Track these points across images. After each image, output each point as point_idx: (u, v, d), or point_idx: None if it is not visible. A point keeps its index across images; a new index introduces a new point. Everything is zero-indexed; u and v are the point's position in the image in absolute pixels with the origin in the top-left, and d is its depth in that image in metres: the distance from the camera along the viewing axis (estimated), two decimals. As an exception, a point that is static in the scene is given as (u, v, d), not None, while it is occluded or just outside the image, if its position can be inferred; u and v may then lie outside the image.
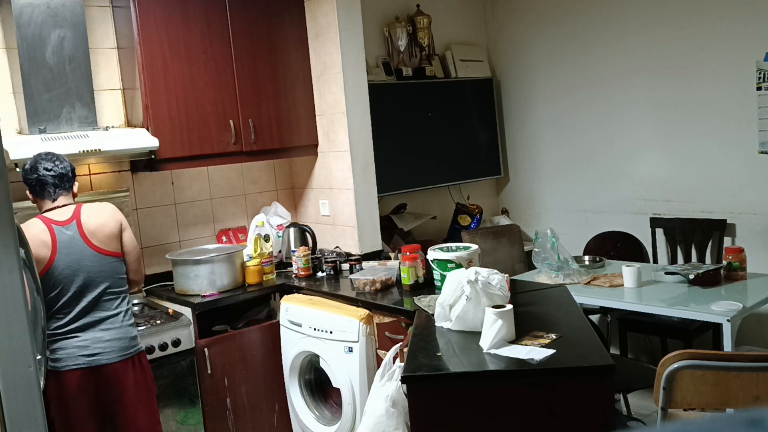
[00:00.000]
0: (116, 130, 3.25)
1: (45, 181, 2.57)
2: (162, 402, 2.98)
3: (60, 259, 2.50)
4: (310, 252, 3.58)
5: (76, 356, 2.49)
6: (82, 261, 2.53)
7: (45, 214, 2.56)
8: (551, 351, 1.97)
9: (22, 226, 2.53)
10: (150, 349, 2.94)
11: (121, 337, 2.58)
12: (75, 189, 2.67)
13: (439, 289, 2.77)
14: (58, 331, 2.50)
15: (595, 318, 3.92)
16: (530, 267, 3.80)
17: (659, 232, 4.18)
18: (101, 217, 2.60)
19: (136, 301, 3.37)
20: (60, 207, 2.58)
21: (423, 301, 2.69)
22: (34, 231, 2.49)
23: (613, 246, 4.24)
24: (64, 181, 2.61)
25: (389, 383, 2.38)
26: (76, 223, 2.55)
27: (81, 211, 2.59)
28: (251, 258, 3.41)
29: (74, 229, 2.54)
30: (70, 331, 2.51)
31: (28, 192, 2.62)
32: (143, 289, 3.45)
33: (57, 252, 2.50)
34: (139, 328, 2.98)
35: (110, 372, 2.54)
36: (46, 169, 2.57)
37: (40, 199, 2.60)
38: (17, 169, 2.87)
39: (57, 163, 2.60)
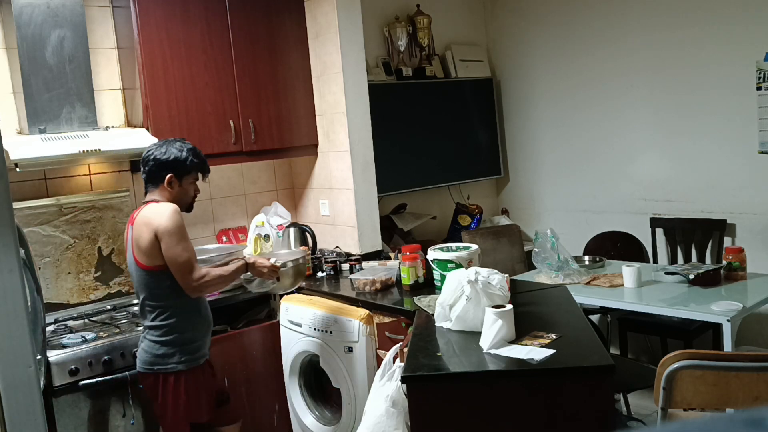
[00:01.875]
0: (116, 130, 3.25)
1: (142, 173, 2.51)
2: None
3: (127, 258, 2.52)
4: (310, 252, 3.58)
5: None
6: (131, 267, 2.49)
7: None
8: (551, 351, 1.97)
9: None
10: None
11: (146, 350, 2.48)
12: (166, 182, 2.47)
13: (439, 289, 2.77)
14: None
15: (595, 318, 3.92)
16: (530, 267, 3.80)
17: (659, 232, 4.18)
18: (142, 227, 2.40)
19: (135, 302, 3.36)
20: (144, 203, 2.50)
21: (423, 301, 2.69)
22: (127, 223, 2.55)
23: (613, 246, 4.24)
24: (152, 175, 2.48)
25: (389, 383, 2.38)
26: (131, 227, 2.46)
27: (138, 213, 2.44)
28: (251, 258, 3.41)
29: (131, 231, 2.46)
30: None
31: None
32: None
33: (126, 251, 2.52)
34: (139, 328, 2.98)
35: (140, 379, 2.57)
36: (142, 161, 2.50)
37: None
38: (17, 169, 2.88)
39: (150, 155, 2.48)
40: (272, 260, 2.69)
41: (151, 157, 2.47)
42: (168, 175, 2.46)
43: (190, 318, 2.50)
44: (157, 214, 2.38)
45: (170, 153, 2.47)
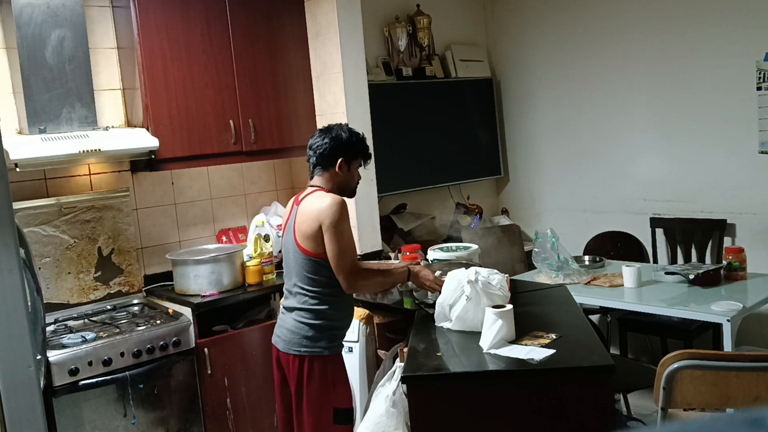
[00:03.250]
0: (116, 130, 3.25)
1: (308, 158, 2.53)
2: (162, 402, 2.98)
3: (285, 238, 2.53)
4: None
5: (275, 332, 2.54)
6: (287, 246, 2.51)
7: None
8: (551, 351, 1.97)
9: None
10: (150, 350, 2.94)
11: (294, 330, 2.43)
12: (337, 166, 2.47)
13: (439, 289, 2.76)
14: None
15: (595, 318, 3.92)
16: (530, 267, 3.80)
17: (659, 232, 4.18)
18: (307, 214, 2.41)
19: (135, 302, 3.37)
20: (309, 186, 2.51)
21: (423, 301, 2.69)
22: (288, 204, 2.58)
23: (613, 246, 4.24)
24: (320, 159, 2.48)
25: (389, 383, 2.38)
26: (296, 209, 2.48)
27: (306, 198, 2.46)
28: (251, 258, 3.41)
29: (294, 214, 2.48)
30: (282, 307, 2.55)
31: None
32: (143, 289, 3.45)
33: (285, 230, 2.53)
34: (139, 328, 2.99)
35: (282, 359, 2.49)
36: (309, 147, 2.51)
37: None
38: (17, 169, 2.88)
39: (318, 140, 2.49)
40: (438, 273, 2.58)
41: (322, 142, 2.47)
42: (339, 159, 2.47)
43: (341, 308, 2.48)
44: (325, 206, 2.37)
45: (340, 137, 2.49)
